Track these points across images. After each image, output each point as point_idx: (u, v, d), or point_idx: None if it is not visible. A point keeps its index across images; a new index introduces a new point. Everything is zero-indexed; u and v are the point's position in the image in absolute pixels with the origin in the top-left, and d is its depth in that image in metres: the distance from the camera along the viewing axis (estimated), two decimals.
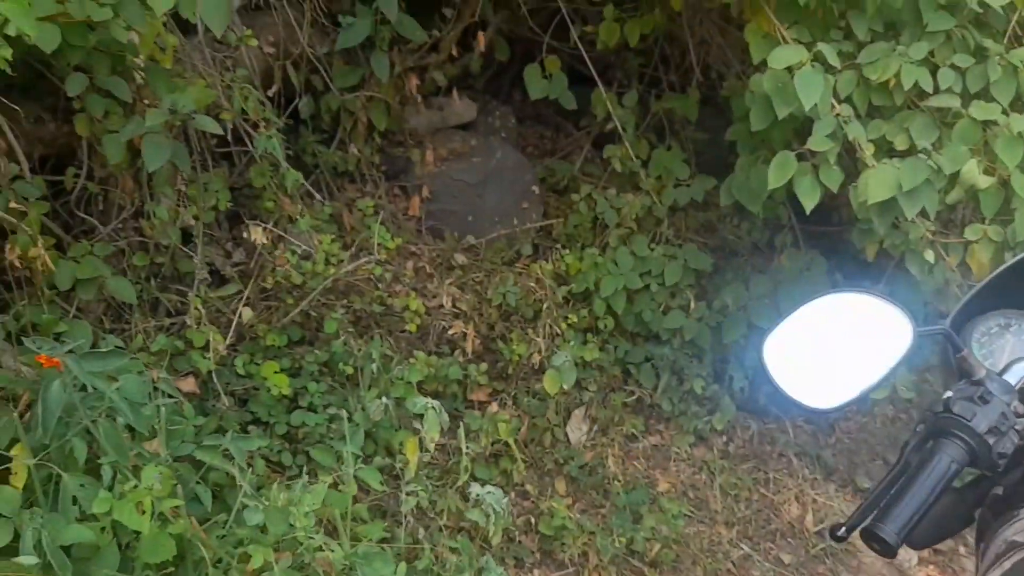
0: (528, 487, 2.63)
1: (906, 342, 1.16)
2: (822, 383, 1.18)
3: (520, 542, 2.51)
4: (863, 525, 1.11)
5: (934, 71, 2.58)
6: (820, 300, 1.25)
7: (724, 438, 2.93)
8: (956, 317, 1.50)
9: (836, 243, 3.36)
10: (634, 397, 2.97)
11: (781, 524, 2.67)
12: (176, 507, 1.84)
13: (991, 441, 1.05)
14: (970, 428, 1.04)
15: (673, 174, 3.24)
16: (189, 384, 2.35)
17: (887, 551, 1.06)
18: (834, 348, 1.19)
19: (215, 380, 2.40)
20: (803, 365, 1.19)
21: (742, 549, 2.60)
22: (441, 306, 2.92)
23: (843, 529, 1.09)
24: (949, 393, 1.15)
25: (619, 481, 2.70)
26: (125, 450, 1.86)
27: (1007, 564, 1.17)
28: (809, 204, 2.51)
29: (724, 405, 2.93)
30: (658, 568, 2.50)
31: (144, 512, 1.76)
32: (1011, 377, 1.16)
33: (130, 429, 1.91)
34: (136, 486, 1.78)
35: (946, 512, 1.31)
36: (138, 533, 1.78)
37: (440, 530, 2.31)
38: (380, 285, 2.85)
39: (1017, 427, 1.17)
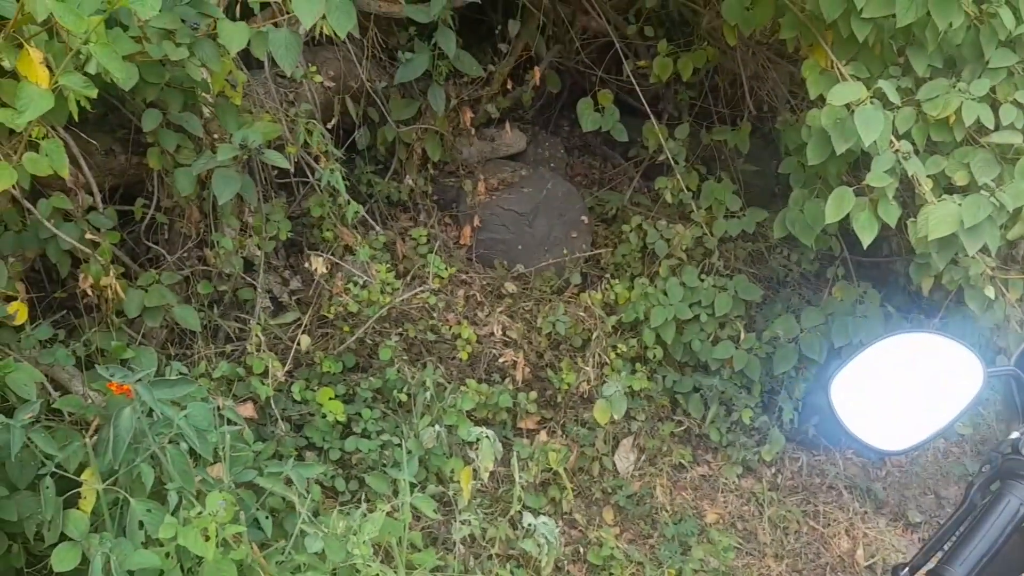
0: (577, 516, 2.64)
1: (976, 384, 1.16)
2: (891, 425, 1.18)
3: (569, 572, 2.52)
4: (928, 567, 1.11)
5: (995, 107, 2.57)
6: (887, 340, 1.25)
7: (773, 469, 2.91)
8: (1021, 357, 1.50)
9: (886, 274, 3.34)
10: (682, 427, 2.97)
11: (831, 558, 2.64)
12: (238, 533, 1.89)
13: None
14: None
15: (724, 205, 3.25)
16: (248, 410, 2.42)
17: None
18: (903, 389, 1.19)
19: (272, 406, 2.47)
20: (871, 406, 1.20)
21: None
22: (492, 334, 2.96)
23: (906, 569, 1.09)
24: (1015, 434, 1.15)
25: (667, 511, 2.70)
26: (190, 476, 1.92)
27: None
28: (867, 239, 2.50)
29: (773, 436, 2.91)
30: None
31: (208, 538, 1.81)
32: None
33: (193, 455, 1.97)
34: (200, 512, 1.83)
35: (1010, 551, 1.30)
36: (200, 558, 1.83)
37: (491, 559, 2.33)
38: (433, 313, 2.90)
39: None
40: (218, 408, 2.07)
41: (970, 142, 2.63)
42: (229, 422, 2.09)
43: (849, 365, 1.25)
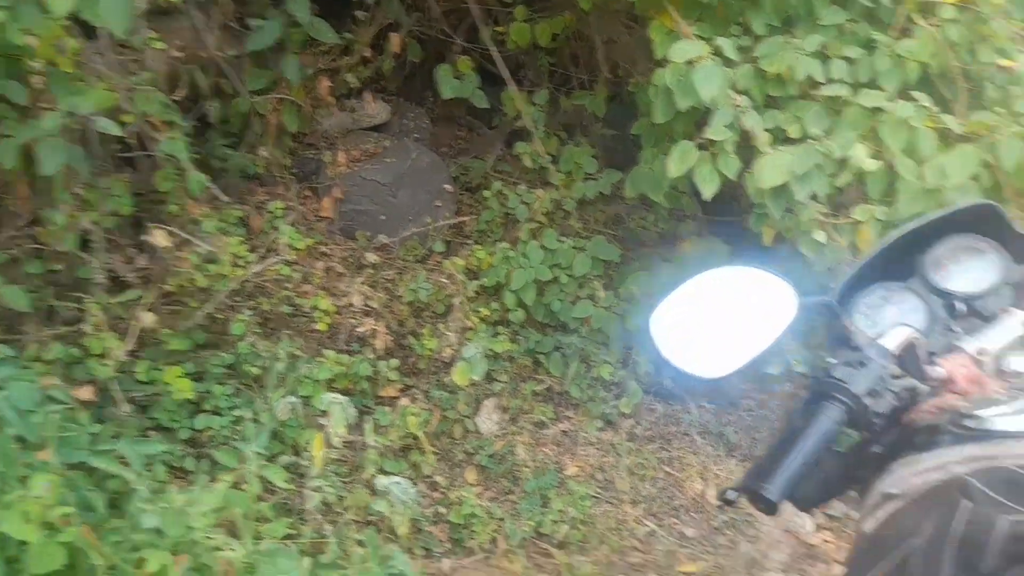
0: (438, 478, 2.67)
1: (790, 312, 1.22)
2: (708, 353, 1.23)
3: (431, 533, 2.55)
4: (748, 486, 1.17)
5: (826, 62, 2.69)
6: (705, 274, 1.30)
7: (631, 421, 3.00)
8: (842, 291, 1.58)
9: (739, 232, 3.46)
10: (544, 386, 3.03)
11: (685, 500, 2.76)
12: (66, 515, 1.83)
13: (868, 402, 1.11)
14: (849, 390, 1.09)
15: (582, 169, 3.30)
16: (87, 392, 2.33)
17: (770, 509, 1.10)
18: (720, 319, 1.23)
19: (115, 387, 2.39)
20: (689, 336, 1.23)
21: (647, 526, 2.69)
22: (351, 305, 2.94)
23: (730, 492, 1.15)
24: (832, 359, 1.22)
25: (528, 468, 2.76)
26: (12, 459, 1.85)
27: (879, 514, 1.25)
28: (708, 191, 2.60)
29: (631, 390, 3.00)
30: (566, 549, 2.57)
31: (31, 521, 1.75)
32: (888, 342, 1.22)
33: (21, 439, 1.90)
34: (23, 495, 1.77)
35: (832, 474, 1.38)
36: (25, 543, 1.77)
37: (347, 524, 2.33)
38: (288, 286, 2.86)
39: (894, 389, 1.24)
40: (44, 388, 2.00)
41: (804, 96, 2.75)
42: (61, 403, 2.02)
43: (668, 298, 1.30)
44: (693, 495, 2.76)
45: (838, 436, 1.15)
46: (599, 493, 2.76)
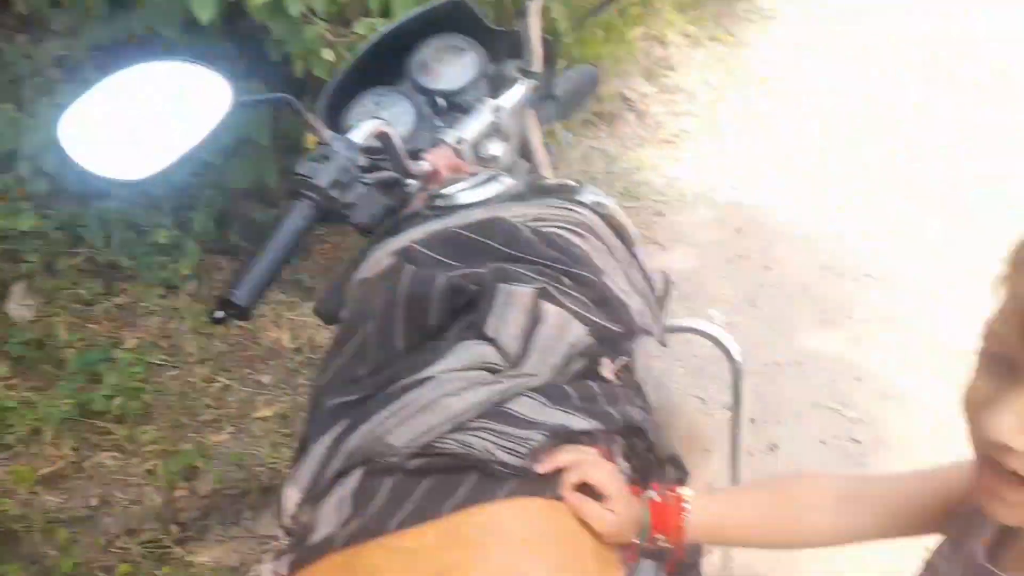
0: None
1: (224, 107, 1.12)
2: (128, 154, 1.11)
3: None
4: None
5: None
6: (127, 71, 1.16)
7: (195, 283, 2.81)
8: (331, 99, 1.54)
9: (285, 76, 3.32)
10: (87, 259, 2.71)
11: (260, 350, 2.69)
12: None
13: (335, 194, 1.10)
14: (312, 184, 1.08)
15: (93, 13, 2.89)
16: None
17: (242, 314, 1.06)
18: (143, 117, 1.10)
19: None
20: (110, 138, 1.09)
21: (220, 382, 2.58)
22: None
23: (217, 312, 1.06)
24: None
25: (75, 349, 2.48)
26: None
27: (351, 301, 1.25)
28: (204, 16, 2.41)
29: (189, 250, 2.79)
30: (125, 422, 2.38)
31: None
32: (355, 136, 1.21)
33: None
34: None
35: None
36: None
37: None
38: None
39: (366, 181, 1.23)
40: None
41: None
42: None
43: (81, 98, 1.15)
44: (268, 344, 2.69)
45: (308, 230, 1.13)
46: (165, 360, 2.57)
